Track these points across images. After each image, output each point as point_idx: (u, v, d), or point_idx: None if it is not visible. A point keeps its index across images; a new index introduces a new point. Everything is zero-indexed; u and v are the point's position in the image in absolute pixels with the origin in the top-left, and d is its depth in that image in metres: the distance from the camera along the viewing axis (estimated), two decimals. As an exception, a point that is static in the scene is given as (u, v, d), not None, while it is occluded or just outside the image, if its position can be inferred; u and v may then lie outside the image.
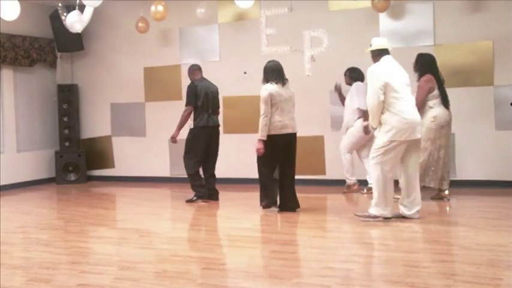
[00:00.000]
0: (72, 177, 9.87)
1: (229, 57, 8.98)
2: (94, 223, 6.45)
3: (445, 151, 6.72)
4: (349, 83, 7.54)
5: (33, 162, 9.76)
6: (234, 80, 8.87)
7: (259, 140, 6.26)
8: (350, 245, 5.14)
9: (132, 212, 7.15)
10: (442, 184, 6.76)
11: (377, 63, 5.81)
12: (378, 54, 5.85)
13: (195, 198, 7.34)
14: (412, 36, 7.97)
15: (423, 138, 6.63)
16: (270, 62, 6.57)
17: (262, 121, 6.27)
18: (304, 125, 7.98)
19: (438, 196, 6.83)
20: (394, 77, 5.66)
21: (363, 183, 7.60)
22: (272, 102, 6.31)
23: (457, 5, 7.72)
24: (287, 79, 6.49)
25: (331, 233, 5.85)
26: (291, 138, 6.43)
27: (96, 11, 7.70)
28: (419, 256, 4.52)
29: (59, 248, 5.24)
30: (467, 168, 7.68)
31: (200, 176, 7.38)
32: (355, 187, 7.61)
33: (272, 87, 6.33)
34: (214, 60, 9.12)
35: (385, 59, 5.82)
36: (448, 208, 6.54)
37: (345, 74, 7.63)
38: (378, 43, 5.95)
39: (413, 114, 5.70)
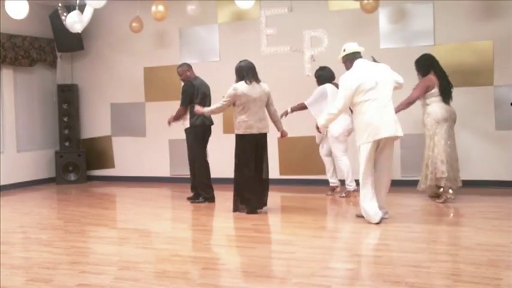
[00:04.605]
0: (72, 177, 9.87)
1: (229, 57, 8.96)
2: (94, 223, 6.45)
3: (440, 148, 6.60)
4: (319, 85, 7.39)
5: (33, 162, 9.75)
6: (234, 80, 8.83)
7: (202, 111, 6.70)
8: (350, 245, 5.14)
9: (132, 212, 7.15)
10: (438, 179, 6.68)
11: (350, 70, 5.81)
12: (352, 58, 5.86)
13: (202, 199, 7.34)
14: (412, 36, 7.97)
15: (426, 136, 6.68)
16: (242, 61, 6.57)
17: (218, 105, 6.55)
18: (304, 125, 8.01)
19: (435, 194, 6.81)
20: (365, 80, 5.67)
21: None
22: (237, 102, 6.36)
23: (457, 5, 7.72)
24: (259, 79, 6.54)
25: (331, 233, 5.86)
26: (259, 139, 6.46)
27: (96, 11, 7.69)
28: (419, 256, 4.51)
29: (59, 248, 5.24)
30: (467, 168, 7.66)
31: (209, 178, 7.36)
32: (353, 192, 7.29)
33: (241, 88, 6.36)
34: (214, 60, 9.13)
35: (358, 63, 5.83)
36: (447, 208, 6.53)
37: (315, 75, 7.47)
38: (350, 47, 5.94)
39: (377, 116, 5.62)
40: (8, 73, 9.31)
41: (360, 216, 5.86)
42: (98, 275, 4.26)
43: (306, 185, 8.34)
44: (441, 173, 6.54)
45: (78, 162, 9.87)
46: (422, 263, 4.28)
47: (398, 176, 7.62)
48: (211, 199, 7.32)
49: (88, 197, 8.47)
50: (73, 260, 4.77)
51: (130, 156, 9.90)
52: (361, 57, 5.88)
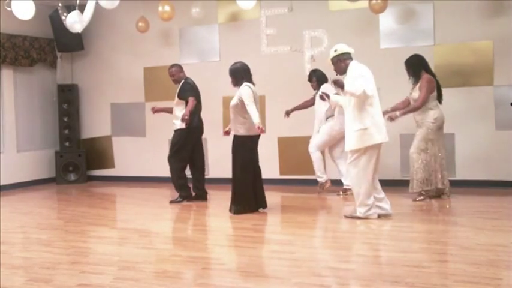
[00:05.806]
0: (72, 177, 9.87)
1: (229, 57, 8.93)
2: (94, 223, 6.45)
3: (444, 151, 6.83)
4: (317, 88, 7.47)
5: (33, 162, 9.75)
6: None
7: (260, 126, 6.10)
8: (350, 245, 5.13)
9: (132, 212, 7.15)
10: (444, 183, 6.81)
11: (355, 67, 5.75)
12: (344, 58, 5.82)
13: (180, 199, 7.38)
14: (412, 36, 7.97)
15: (423, 139, 6.67)
16: (237, 63, 6.53)
17: (252, 110, 6.12)
18: (304, 125, 8.01)
19: (437, 194, 6.87)
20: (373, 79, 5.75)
21: (336, 183, 7.58)
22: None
23: (457, 5, 7.72)
24: None
25: (331, 233, 5.86)
26: (258, 138, 6.52)
27: (96, 11, 7.68)
28: (419, 256, 4.52)
29: (59, 248, 5.24)
30: (467, 168, 7.68)
31: (186, 176, 7.42)
32: (328, 185, 7.53)
33: (252, 87, 6.37)
34: (214, 60, 9.13)
35: (356, 63, 5.80)
36: (447, 208, 6.54)
37: (311, 80, 7.55)
38: (342, 47, 5.87)
39: (381, 119, 5.80)
40: (8, 73, 9.31)
41: (349, 217, 5.91)
42: (98, 275, 4.26)
43: (306, 185, 8.34)
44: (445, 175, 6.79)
45: (78, 162, 9.87)
46: (422, 263, 4.28)
47: (398, 176, 7.62)
48: (189, 197, 7.39)
49: (88, 197, 8.48)
50: (73, 260, 4.77)
51: (130, 156, 9.90)
52: (351, 58, 5.86)
